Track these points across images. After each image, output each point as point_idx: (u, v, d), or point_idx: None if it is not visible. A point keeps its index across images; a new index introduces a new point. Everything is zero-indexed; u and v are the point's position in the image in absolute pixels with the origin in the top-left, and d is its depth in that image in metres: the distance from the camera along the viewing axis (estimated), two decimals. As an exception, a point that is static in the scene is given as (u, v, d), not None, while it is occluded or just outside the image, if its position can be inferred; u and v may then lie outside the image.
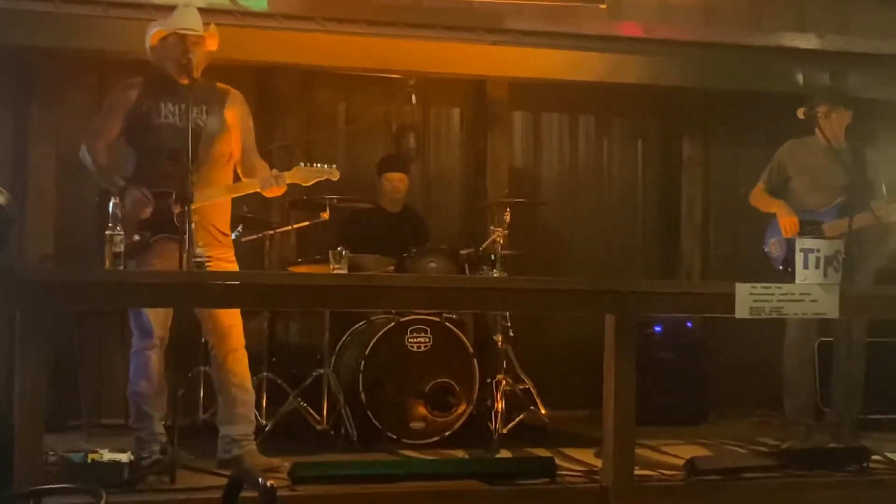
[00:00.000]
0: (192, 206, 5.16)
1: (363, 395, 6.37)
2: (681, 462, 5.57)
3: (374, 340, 6.44)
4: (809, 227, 6.36)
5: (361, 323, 6.79)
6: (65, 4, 6.96)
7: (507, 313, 6.75)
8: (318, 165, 5.75)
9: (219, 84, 5.64)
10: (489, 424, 6.51)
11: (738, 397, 8.02)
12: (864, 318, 6.38)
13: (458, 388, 6.50)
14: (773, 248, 6.50)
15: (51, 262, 6.93)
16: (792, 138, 6.73)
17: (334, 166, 5.81)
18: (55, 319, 4.68)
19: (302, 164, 5.78)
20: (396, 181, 7.37)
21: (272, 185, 5.54)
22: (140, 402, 5.45)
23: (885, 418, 7.18)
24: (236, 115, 5.64)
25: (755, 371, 7.77)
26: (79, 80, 7.26)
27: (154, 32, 5.54)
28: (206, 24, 5.58)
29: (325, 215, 6.65)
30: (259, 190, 5.59)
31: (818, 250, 5.07)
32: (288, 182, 5.61)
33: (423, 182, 8.08)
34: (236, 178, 5.70)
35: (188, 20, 5.50)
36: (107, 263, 4.77)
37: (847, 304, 5.09)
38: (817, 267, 5.04)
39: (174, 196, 5.24)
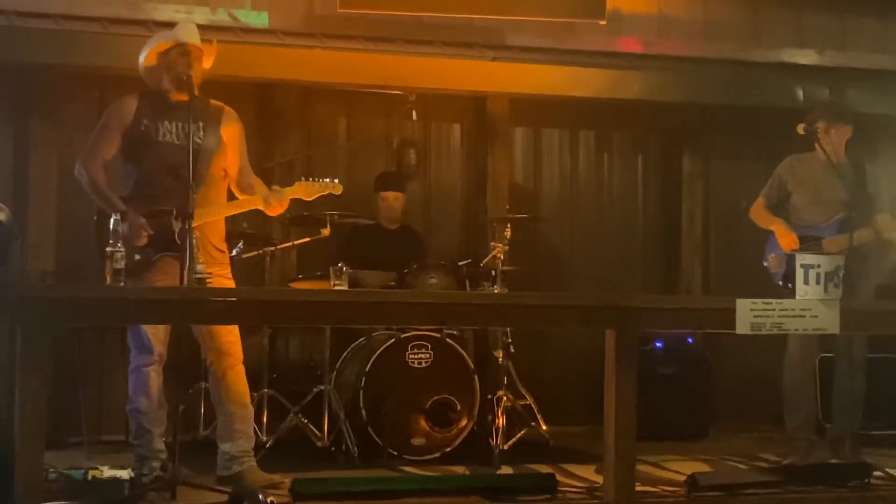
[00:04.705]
0: (194, 224, 5.17)
1: (364, 412, 6.37)
2: (682, 478, 5.57)
3: (374, 356, 6.44)
4: (810, 243, 6.36)
5: (362, 339, 6.79)
6: (65, 21, 6.99)
7: (508, 329, 6.74)
8: (321, 180, 5.76)
9: (212, 101, 5.65)
10: (490, 440, 6.50)
11: (739, 413, 8.01)
12: (864, 334, 6.38)
13: (458, 404, 6.50)
14: (773, 263, 6.50)
15: (51, 278, 6.93)
16: (792, 153, 6.73)
17: (336, 180, 5.82)
18: (55, 335, 4.67)
19: (303, 178, 5.79)
20: (392, 200, 7.38)
21: (276, 198, 5.54)
22: (140, 418, 5.44)
23: (886, 434, 7.17)
24: (232, 134, 5.65)
25: (756, 386, 7.76)
26: (79, 96, 7.27)
27: (154, 46, 5.54)
28: (208, 40, 5.59)
29: (326, 231, 6.65)
30: (262, 208, 5.59)
31: (818, 266, 5.07)
32: (290, 197, 5.62)
33: (423, 198, 8.08)
34: (230, 197, 5.70)
35: (192, 34, 5.52)
36: (107, 280, 4.77)
37: (848, 319, 5.08)
38: (818, 282, 5.05)
39: (175, 213, 5.24)
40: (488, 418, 6.65)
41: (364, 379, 6.41)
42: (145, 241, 5.33)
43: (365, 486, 5.30)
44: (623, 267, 8.40)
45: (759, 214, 6.66)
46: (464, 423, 6.52)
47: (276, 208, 5.62)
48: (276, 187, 5.67)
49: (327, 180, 5.78)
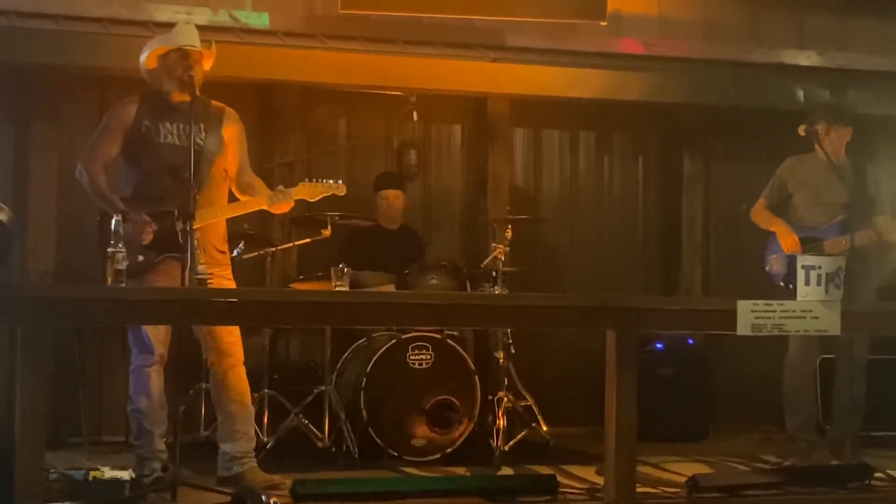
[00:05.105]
0: (197, 225, 5.17)
1: (364, 412, 6.37)
2: (683, 479, 5.57)
3: (375, 357, 6.44)
4: (811, 244, 6.36)
5: (363, 340, 6.79)
6: (67, 22, 6.99)
7: (509, 330, 6.74)
8: (325, 181, 5.76)
9: (214, 102, 5.65)
10: (490, 441, 6.50)
11: (740, 414, 8.02)
12: (865, 335, 6.38)
13: (459, 405, 6.50)
14: (774, 264, 6.50)
15: (52, 279, 6.93)
16: (792, 155, 6.73)
17: (340, 181, 5.82)
18: (56, 336, 4.68)
19: (307, 179, 5.79)
20: (391, 198, 7.37)
21: (280, 201, 5.55)
22: (141, 419, 5.44)
23: (886, 435, 7.17)
24: (233, 134, 5.65)
25: (756, 387, 7.77)
26: (80, 97, 7.27)
27: (154, 49, 5.54)
28: (208, 42, 5.59)
29: (327, 232, 6.65)
30: (267, 207, 5.60)
31: (819, 267, 5.06)
32: (295, 198, 5.62)
33: (424, 199, 8.08)
34: (231, 198, 5.71)
35: (190, 37, 5.52)
36: (108, 280, 4.77)
37: (848, 320, 5.08)
38: (818, 284, 5.04)
39: (177, 214, 5.23)
40: (489, 419, 6.65)
41: (365, 380, 6.40)
42: (150, 238, 5.32)
43: (365, 487, 5.30)
44: (623, 268, 8.40)
45: (760, 215, 6.66)
46: (464, 424, 6.52)
47: (280, 208, 5.62)
48: (281, 187, 5.67)
49: (331, 181, 5.78)
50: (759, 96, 7.99)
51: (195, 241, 5.11)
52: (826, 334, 5.21)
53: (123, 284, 4.77)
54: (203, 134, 5.50)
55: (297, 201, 5.70)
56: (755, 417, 7.88)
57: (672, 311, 5.28)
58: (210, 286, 5.16)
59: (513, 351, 6.83)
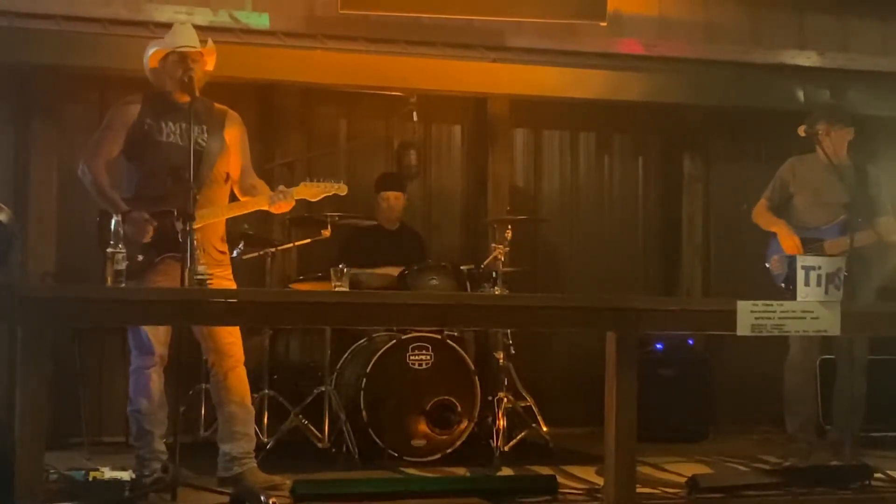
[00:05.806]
0: (197, 225, 5.17)
1: (364, 413, 6.37)
2: (683, 480, 5.57)
3: (375, 358, 6.44)
4: (811, 245, 6.36)
5: (363, 340, 6.79)
6: (67, 22, 6.99)
7: (509, 330, 6.74)
8: (326, 181, 5.76)
9: (216, 104, 5.65)
10: (490, 442, 6.50)
11: (740, 414, 8.02)
12: (865, 336, 6.38)
13: (459, 406, 6.50)
14: (775, 265, 6.50)
15: (52, 279, 6.93)
16: (793, 155, 6.74)
17: (341, 182, 5.83)
18: (56, 336, 4.67)
19: (308, 179, 5.79)
20: (392, 200, 7.37)
21: (280, 200, 5.55)
22: (141, 419, 5.44)
23: (887, 436, 7.18)
24: (235, 136, 5.65)
25: (757, 388, 7.76)
26: (80, 97, 7.27)
27: (153, 53, 5.54)
28: (205, 42, 5.58)
29: (327, 233, 6.66)
30: (267, 207, 5.60)
31: (819, 267, 5.06)
32: (295, 198, 5.62)
33: (424, 199, 8.08)
34: (233, 199, 5.70)
35: (186, 38, 5.51)
36: (108, 281, 4.77)
37: (848, 321, 5.08)
38: (818, 284, 5.04)
39: (176, 215, 5.23)
40: (489, 420, 6.65)
41: (365, 380, 6.40)
42: (151, 236, 5.31)
43: (365, 488, 5.31)
44: (623, 269, 8.40)
45: (762, 216, 6.66)
46: (464, 424, 6.52)
47: (281, 207, 5.62)
48: (282, 187, 5.67)
49: (332, 181, 5.79)
50: (759, 96, 8.00)
51: (195, 242, 5.11)
52: (826, 335, 5.21)
53: (123, 284, 4.77)
54: (205, 135, 5.50)
55: (297, 201, 5.70)
56: (755, 418, 7.89)
57: (672, 312, 5.27)
58: (210, 286, 5.16)
59: (513, 351, 6.83)
